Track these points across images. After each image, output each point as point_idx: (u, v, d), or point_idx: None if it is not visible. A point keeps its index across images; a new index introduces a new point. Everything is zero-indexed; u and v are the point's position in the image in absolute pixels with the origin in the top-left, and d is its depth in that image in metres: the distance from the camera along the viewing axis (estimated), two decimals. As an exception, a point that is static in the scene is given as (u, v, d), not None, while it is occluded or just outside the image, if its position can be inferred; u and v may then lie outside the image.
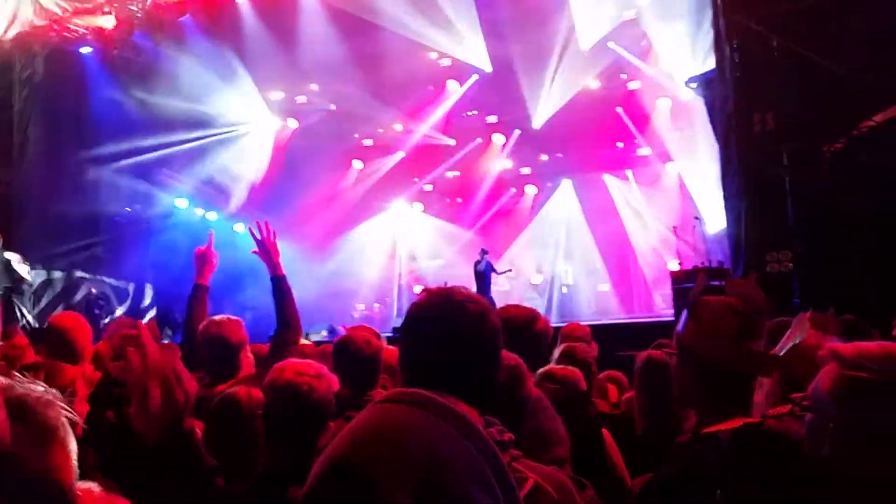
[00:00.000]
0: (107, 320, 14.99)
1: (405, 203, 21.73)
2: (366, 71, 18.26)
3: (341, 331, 4.79)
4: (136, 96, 17.89)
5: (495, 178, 20.79)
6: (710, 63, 12.34)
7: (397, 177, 21.51)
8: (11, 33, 16.20)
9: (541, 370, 2.81)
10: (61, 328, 3.59)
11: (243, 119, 19.26)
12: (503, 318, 2.02)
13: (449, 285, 1.79)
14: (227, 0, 17.16)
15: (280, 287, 3.77)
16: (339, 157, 21.05)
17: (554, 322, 4.56)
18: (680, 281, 12.16)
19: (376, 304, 20.47)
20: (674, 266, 13.72)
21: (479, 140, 20.60)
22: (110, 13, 16.98)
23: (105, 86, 17.82)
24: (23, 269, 14.63)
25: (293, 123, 20.29)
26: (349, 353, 3.41)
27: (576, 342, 4.21)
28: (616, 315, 17.32)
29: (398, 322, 1.99)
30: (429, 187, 21.99)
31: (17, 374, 1.13)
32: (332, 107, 19.86)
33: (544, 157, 20.53)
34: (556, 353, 3.79)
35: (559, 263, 19.70)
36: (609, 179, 19.10)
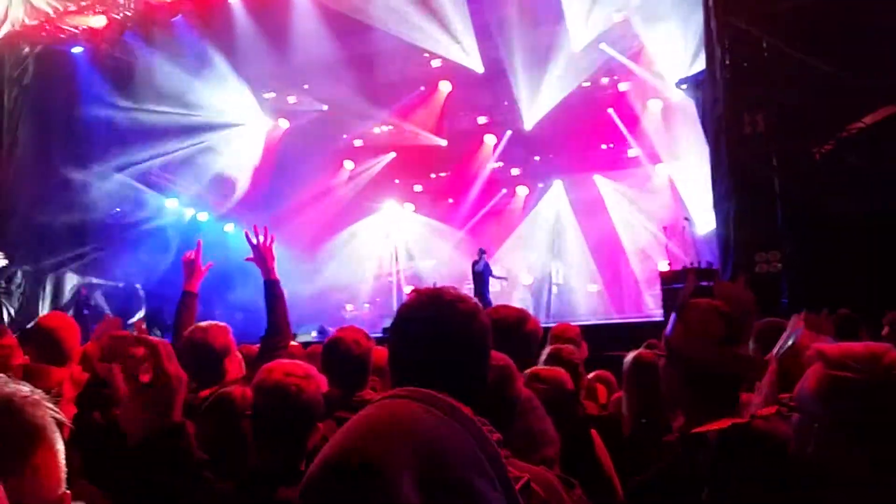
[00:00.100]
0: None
1: (396, 203, 21.72)
2: (357, 71, 18.26)
3: (332, 332, 4.79)
4: (126, 96, 17.83)
5: (487, 178, 20.80)
6: (701, 64, 12.38)
7: (388, 177, 21.51)
8: (2, 33, 16.12)
9: (527, 371, 2.81)
10: (49, 328, 3.56)
11: (235, 119, 19.22)
12: (493, 319, 2.03)
13: (438, 285, 1.79)
14: (218, 0, 17.11)
15: (273, 291, 3.78)
16: (330, 158, 21.01)
17: (544, 322, 4.56)
18: (669, 281, 12.19)
19: (366, 305, 20.45)
20: (663, 266, 13.76)
21: (471, 140, 20.59)
22: (102, 13, 16.90)
23: (96, 85, 17.77)
24: None
25: (284, 123, 20.26)
26: (338, 354, 3.41)
27: (565, 343, 4.22)
28: (606, 315, 17.35)
29: (388, 322, 2.00)
30: (420, 188, 21.99)
31: (2, 375, 1.13)
32: (324, 107, 19.84)
33: (536, 158, 20.54)
34: (544, 354, 3.79)
35: (550, 264, 19.72)
36: (600, 180, 19.12)
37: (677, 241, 13.68)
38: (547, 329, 4.58)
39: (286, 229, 18.06)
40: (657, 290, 13.53)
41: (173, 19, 17.25)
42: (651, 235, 17.31)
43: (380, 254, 21.48)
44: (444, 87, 19.64)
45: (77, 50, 17.59)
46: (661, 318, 11.97)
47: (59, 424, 1.13)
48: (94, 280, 17.68)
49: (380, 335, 9.17)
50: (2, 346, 3.63)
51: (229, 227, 19.51)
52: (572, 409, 2.98)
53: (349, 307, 19.96)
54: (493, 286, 18.43)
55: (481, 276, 15.57)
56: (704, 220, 13.12)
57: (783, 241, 9.96)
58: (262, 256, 3.84)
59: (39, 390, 1.13)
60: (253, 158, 19.80)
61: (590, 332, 6.54)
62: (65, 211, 17.19)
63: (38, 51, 17.16)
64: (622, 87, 18.51)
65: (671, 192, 17.80)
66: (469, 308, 1.67)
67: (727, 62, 10.65)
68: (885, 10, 9.35)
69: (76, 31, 17.15)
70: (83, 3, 16.59)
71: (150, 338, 1.82)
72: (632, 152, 18.91)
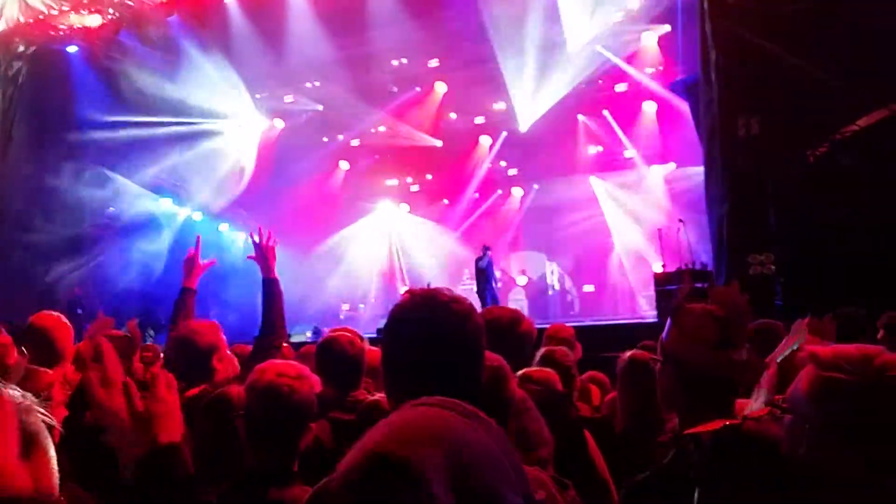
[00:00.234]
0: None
1: (392, 204, 21.72)
2: (353, 71, 18.25)
3: (326, 332, 4.79)
4: (121, 96, 17.80)
5: (482, 179, 20.82)
6: (696, 67, 12.40)
7: (384, 178, 21.51)
8: (-3, 31, 16.09)
9: (518, 372, 2.81)
10: (42, 328, 3.54)
11: (230, 119, 19.19)
12: (487, 319, 2.03)
13: (432, 286, 1.79)
14: (213, 0, 17.09)
15: (271, 290, 3.78)
16: (325, 158, 21.02)
17: (539, 323, 4.56)
18: (663, 283, 12.20)
19: (361, 305, 20.44)
20: (657, 268, 13.78)
21: (466, 141, 20.62)
22: (96, 12, 16.87)
23: (90, 84, 17.72)
24: None
25: (280, 123, 20.25)
26: (333, 354, 3.40)
27: (559, 344, 4.22)
28: (600, 316, 17.37)
29: (383, 323, 1.99)
30: (415, 188, 22.00)
31: None
32: (319, 107, 19.83)
33: (530, 159, 20.55)
34: (537, 356, 3.79)
35: (544, 265, 19.74)
36: (595, 181, 19.15)
37: (671, 242, 13.69)
38: (541, 330, 4.58)
39: (281, 229, 17.98)
40: (651, 291, 13.55)
41: (168, 19, 17.23)
42: (645, 237, 17.33)
43: (375, 254, 21.47)
44: (440, 87, 19.65)
45: (72, 49, 17.55)
46: (656, 320, 12.00)
47: (50, 429, 1.13)
48: (88, 279, 17.63)
49: (374, 335, 9.17)
50: (-2, 345, 3.61)
51: (224, 227, 19.50)
52: (565, 411, 2.98)
53: (345, 307, 19.94)
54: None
55: (484, 273, 15.52)
56: (699, 222, 13.13)
57: (777, 244, 9.98)
58: (263, 255, 3.84)
59: (30, 394, 1.13)
60: (248, 158, 19.77)
61: (584, 333, 6.54)
62: (57, 209, 17.15)
63: (33, 50, 17.12)
64: (618, 88, 18.55)
65: (666, 193, 17.85)
66: (463, 309, 1.67)
67: (721, 65, 10.66)
68: (878, 13, 9.38)
69: (71, 30, 17.10)
70: (79, 2, 16.54)
71: (155, 368, 1.82)
72: (627, 154, 18.95)
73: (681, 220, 13.54)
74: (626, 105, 18.56)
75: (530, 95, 18.16)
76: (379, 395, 3.16)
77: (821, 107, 9.58)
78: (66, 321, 3.72)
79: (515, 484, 1.13)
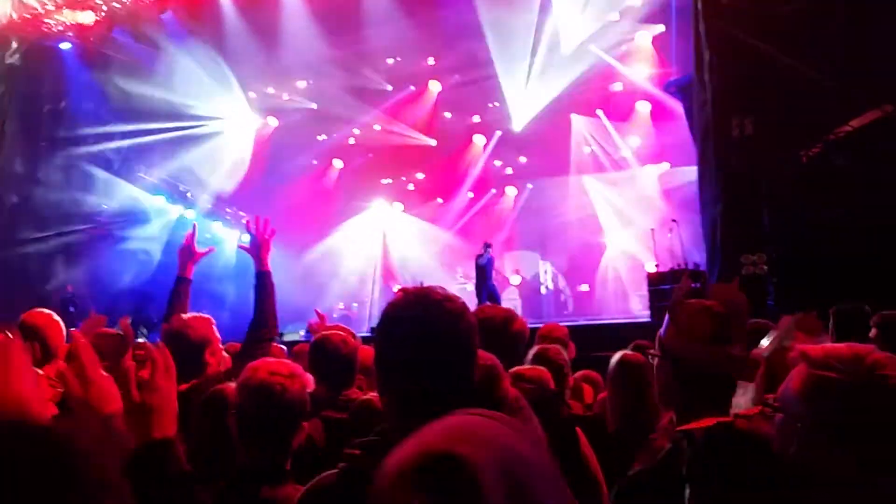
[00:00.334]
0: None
1: (385, 202, 21.71)
2: (347, 70, 18.24)
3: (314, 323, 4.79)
4: (114, 94, 17.74)
5: (476, 178, 20.83)
6: (690, 67, 12.42)
7: (378, 176, 21.50)
8: (-10, 27, 16.03)
9: (510, 371, 2.81)
10: (33, 326, 3.52)
11: (223, 117, 19.14)
12: (480, 318, 2.03)
13: (425, 284, 1.78)
14: (207, -3, 17.07)
15: (264, 282, 3.73)
16: (319, 156, 21.00)
17: (532, 323, 4.57)
18: (656, 282, 12.22)
19: (355, 304, 20.42)
20: (651, 268, 13.80)
21: (460, 140, 20.65)
22: (90, 9, 16.81)
23: (84, 82, 17.66)
24: None
25: (273, 121, 20.21)
26: (326, 353, 3.40)
27: (552, 343, 4.22)
28: (594, 316, 17.39)
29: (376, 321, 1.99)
30: (409, 187, 21.99)
31: None
32: (314, 105, 19.79)
33: (524, 159, 20.58)
34: (530, 354, 3.80)
35: (538, 264, 19.75)
36: (588, 181, 19.18)
37: (665, 242, 13.72)
38: (535, 329, 4.58)
39: (275, 227, 18.01)
40: (644, 291, 13.57)
41: (162, 15, 17.18)
42: (639, 237, 17.36)
43: (369, 253, 21.46)
44: (434, 86, 19.66)
45: (65, 46, 17.48)
46: (649, 319, 12.01)
47: None
48: (80, 277, 17.58)
49: (367, 334, 9.16)
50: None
51: (217, 226, 19.46)
52: (557, 409, 2.99)
53: (340, 305, 19.92)
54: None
55: (484, 270, 15.50)
56: (692, 222, 13.16)
57: (770, 244, 10.00)
58: (257, 246, 3.79)
59: None
60: (242, 156, 19.73)
61: (577, 332, 6.55)
62: (52, 207, 17.09)
63: (26, 46, 17.05)
64: (612, 88, 18.58)
65: (659, 193, 17.89)
66: (456, 307, 1.67)
67: (715, 65, 10.68)
68: (871, 14, 9.42)
69: (64, 27, 17.04)
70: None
71: (155, 351, 1.79)
72: (621, 153, 18.98)
73: (674, 220, 13.56)
74: (620, 105, 18.59)
75: (524, 95, 18.17)
76: (371, 394, 3.16)
77: (814, 107, 9.61)
78: (58, 319, 3.70)
79: (557, 495, 1.13)
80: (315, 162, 21.15)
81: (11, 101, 16.91)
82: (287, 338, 12.49)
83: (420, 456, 0.99)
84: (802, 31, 9.81)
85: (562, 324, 5.72)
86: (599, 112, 18.83)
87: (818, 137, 9.86)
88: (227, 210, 19.90)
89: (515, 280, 19.58)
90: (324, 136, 20.63)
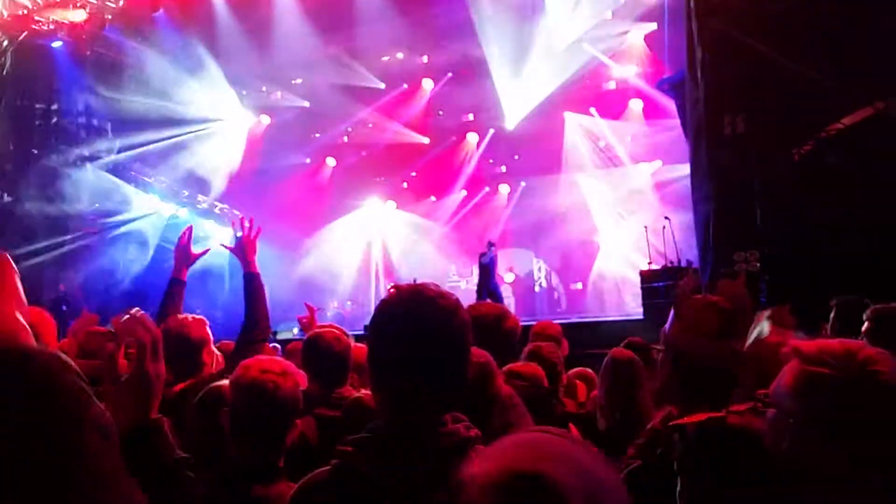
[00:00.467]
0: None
1: (379, 200, 21.70)
2: (340, 68, 18.22)
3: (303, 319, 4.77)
4: (106, 92, 17.68)
5: (469, 176, 20.84)
6: (683, 65, 12.43)
7: (371, 174, 21.49)
8: (-20, 25, 15.94)
9: (505, 368, 2.81)
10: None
11: (216, 115, 19.09)
12: (473, 316, 2.03)
13: (418, 282, 1.78)
14: (199, -5, 17.03)
15: (252, 283, 3.72)
16: (312, 154, 20.98)
17: (526, 320, 4.57)
18: (649, 280, 12.25)
19: (349, 302, 20.41)
20: (644, 265, 13.83)
21: (453, 138, 20.67)
22: (82, 7, 16.75)
23: (75, 80, 17.60)
24: None
25: (266, 120, 20.17)
26: (319, 351, 3.40)
27: (546, 341, 4.23)
28: (587, 313, 17.42)
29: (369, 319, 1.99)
30: (403, 185, 21.99)
31: None
32: (306, 103, 19.76)
33: (515, 157, 20.60)
34: (524, 352, 3.80)
35: (532, 262, 19.77)
36: (581, 179, 19.20)
37: (658, 240, 13.75)
38: (529, 327, 4.59)
39: (267, 226, 17.91)
40: (637, 288, 13.60)
41: (154, 14, 17.13)
42: (632, 234, 17.40)
43: (362, 251, 21.45)
44: (427, 84, 19.65)
45: (57, 44, 17.41)
46: (642, 317, 12.05)
47: None
48: (73, 275, 17.52)
49: (361, 332, 9.15)
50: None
51: (210, 224, 19.41)
52: (550, 406, 2.99)
53: (334, 304, 19.91)
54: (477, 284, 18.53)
55: (488, 269, 15.49)
56: (684, 220, 13.19)
57: (762, 241, 10.02)
58: (243, 247, 3.79)
59: None
60: (234, 155, 19.69)
61: (571, 329, 6.56)
62: (43, 206, 17.02)
63: (18, 44, 16.97)
64: (605, 86, 18.62)
65: (652, 191, 17.92)
66: (449, 304, 1.66)
67: (707, 63, 10.69)
68: (863, 11, 9.44)
69: (56, 25, 16.97)
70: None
71: (147, 329, 1.79)
72: (614, 151, 19.01)
73: (667, 218, 13.60)
74: (612, 103, 18.64)
75: (518, 93, 18.19)
76: (364, 392, 3.16)
77: (807, 105, 9.62)
78: (51, 317, 3.68)
79: None
80: (308, 160, 21.12)
81: (3, 98, 16.83)
82: (280, 336, 12.47)
83: (508, 473, 0.97)
84: (795, 28, 9.81)
85: (555, 321, 5.73)
86: (592, 110, 18.87)
87: (811, 135, 9.88)
88: (220, 208, 19.85)
89: (509, 278, 19.60)
90: (317, 135, 20.60)
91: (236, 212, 18.87)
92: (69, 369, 1.14)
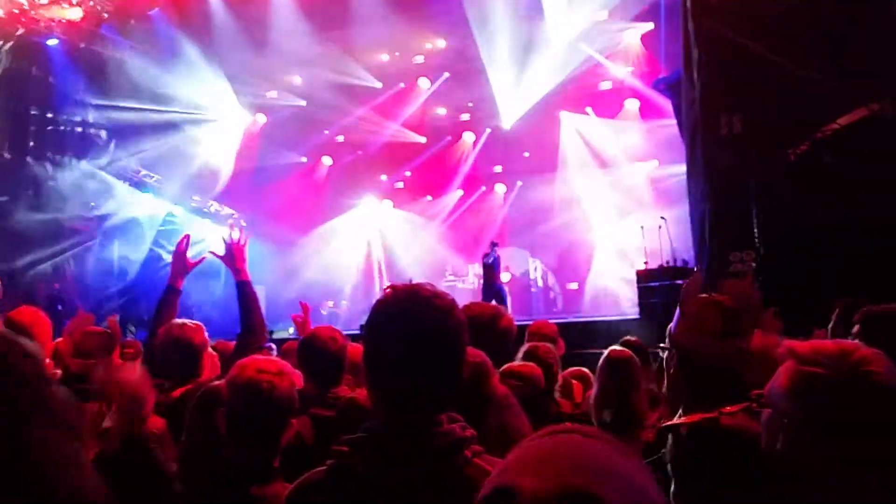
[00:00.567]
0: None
1: (375, 199, 21.69)
2: (336, 67, 18.21)
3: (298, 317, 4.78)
4: (102, 90, 17.65)
5: (465, 175, 20.85)
6: (679, 65, 12.44)
7: (367, 173, 21.48)
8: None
9: (502, 368, 2.82)
10: (20, 324, 3.50)
11: (212, 114, 19.06)
12: (468, 316, 2.03)
13: (414, 282, 1.78)
14: (196, -7, 17.00)
15: (244, 292, 3.73)
16: (308, 153, 20.96)
17: (522, 320, 4.58)
18: (645, 280, 12.27)
19: (344, 302, 20.39)
20: (640, 265, 13.84)
21: (449, 138, 20.68)
22: (77, 5, 16.71)
23: (71, 78, 17.56)
24: None
25: (262, 118, 20.14)
26: (314, 350, 3.40)
27: (542, 340, 4.24)
28: (583, 312, 17.43)
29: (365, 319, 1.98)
30: (399, 184, 21.99)
31: None
32: (302, 102, 19.74)
33: (514, 156, 20.60)
34: (521, 351, 3.81)
35: (528, 261, 19.78)
36: (577, 178, 19.21)
37: (653, 239, 13.78)
38: (524, 326, 4.59)
39: (264, 225, 17.97)
40: (633, 288, 13.62)
41: (150, 12, 17.10)
42: (627, 234, 17.41)
43: (358, 250, 21.43)
44: (424, 83, 19.65)
45: (52, 42, 17.36)
46: (638, 316, 12.06)
47: None
48: (68, 274, 17.48)
49: (357, 332, 9.14)
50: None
51: (205, 223, 19.37)
52: (545, 406, 3.00)
53: (330, 303, 19.89)
54: (472, 282, 18.56)
55: (491, 269, 15.46)
56: (680, 219, 13.22)
57: (758, 241, 10.04)
58: (232, 256, 3.79)
59: None
60: (230, 153, 19.66)
61: (567, 329, 6.57)
62: (38, 204, 16.99)
63: (13, 42, 16.92)
64: (601, 86, 18.64)
65: (648, 190, 17.94)
66: (445, 304, 1.66)
67: (703, 63, 10.70)
68: (859, 12, 9.45)
69: (52, 23, 16.92)
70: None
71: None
72: (609, 151, 19.02)
73: (663, 218, 13.62)
74: (609, 102, 18.66)
75: (514, 92, 18.19)
76: (359, 391, 3.16)
77: (803, 105, 9.63)
78: (46, 317, 3.68)
79: None
80: (304, 159, 21.10)
81: (-1, 96, 16.80)
82: (277, 335, 12.46)
83: (562, 490, 0.94)
84: (791, 28, 9.83)
85: (551, 321, 5.74)
86: (589, 109, 18.88)
87: (807, 135, 9.90)
88: (216, 207, 19.83)
89: (505, 277, 19.57)
90: (313, 133, 20.58)
91: (224, 207, 18.87)
92: (23, 357, 1.12)
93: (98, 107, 17.74)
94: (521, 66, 17.53)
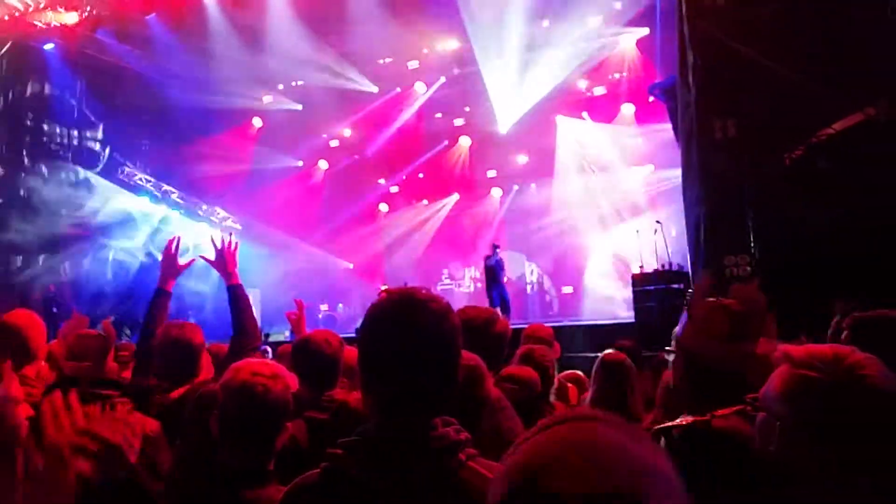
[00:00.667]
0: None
1: (371, 203, 21.69)
2: (332, 72, 18.23)
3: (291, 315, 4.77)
4: (98, 93, 17.65)
5: (462, 179, 20.86)
6: (674, 69, 12.46)
7: (363, 177, 21.48)
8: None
9: (501, 371, 2.82)
10: (15, 326, 3.48)
11: (208, 117, 19.04)
12: (462, 320, 2.03)
13: (409, 285, 1.78)
14: (192, -2, 17.01)
15: (236, 295, 3.73)
16: (304, 157, 20.96)
17: (517, 323, 4.58)
18: (641, 283, 12.26)
19: (340, 305, 20.38)
20: (635, 269, 13.85)
21: (446, 142, 20.69)
22: (74, 9, 16.71)
23: (67, 82, 17.56)
24: None
25: (258, 122, 20.13)
26: (309, 353, 3.39)
27: (537, 343, 4.23)
28: (578, 316, 17.44)
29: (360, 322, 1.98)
30: (394, 188, 21.99)
31: None
32: (299, 107, 19.75)
33: (510, 161, 20.62)
34: (517, 354, 3.81)
35: (524, 265, 19.79)
36: (573, 182, 19.23)
37: (649, 243, 13.79)
38: (520, 329, 4.59)
39: (259, 229, 17.97)
40: (629, 292, 13.62)
41: (147, 17, 17.10)
42: (623, 238, 17.43)
43: (353, 254, 21.42)
44: (420, 88, 19.67)
45: (49, 47, 17.35)
46: (633, 320, 12.06)
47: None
48: (64, 277, 17.45)
49: (352, 335, 9.13)
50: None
51: (201, 226, 19.37)
52: (540, 410, 3.00)
53: (324, 307, 19.88)
54: (468, 286, 18.56)
55: (493, 271, 15.40)
56: (676, 223, 13.24)
57: (753, 246, 10.05)
58: (223, 261, 3.80)
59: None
60: (226, 157, 19.64)
61: (562, 332, 6.57)
62: (34, 207, 16.96)
63: (9, 47, 16.91)
64: (597, 90, 18.68)
65: (643, 195, 17.97)
66: (440, 308, 1.66)
67: (699, 68, 10.71)
68: (855, 16, 9.48)
69: (48, 27, 16.91)
70: (55, -1, 16.39)
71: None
72: (605, 155, 19.05)
73: (658, 222, 13.64)
74: (604, 107, 18.67)
75: (510, 97, 18.21)
76: (354, 395, 3.16)
77: (798, 110, 9.64)
78: (40, 319, 3.67)
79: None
80: (300, 163, 21.11)
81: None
82: (272, 338, 12.45)
83: (612, 489, 0.92)
84: (786, 33, 9.84)
85: (547, 324, 5.74)
86: (584, 114, 18.91)
87: (802, 140, 9.91)
88: (212, 210, 19.81)
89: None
90: (309, 137, 20.58)
91: (229, 216, 18.85)
92: None
93: (94, 110, 17.72)
94: (517, 71, 17.55)
